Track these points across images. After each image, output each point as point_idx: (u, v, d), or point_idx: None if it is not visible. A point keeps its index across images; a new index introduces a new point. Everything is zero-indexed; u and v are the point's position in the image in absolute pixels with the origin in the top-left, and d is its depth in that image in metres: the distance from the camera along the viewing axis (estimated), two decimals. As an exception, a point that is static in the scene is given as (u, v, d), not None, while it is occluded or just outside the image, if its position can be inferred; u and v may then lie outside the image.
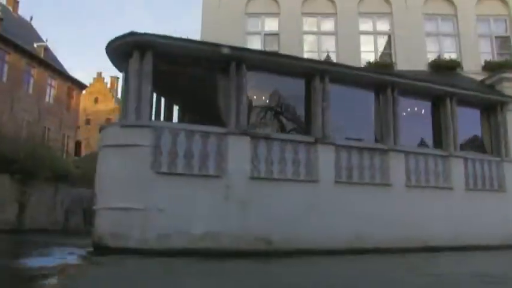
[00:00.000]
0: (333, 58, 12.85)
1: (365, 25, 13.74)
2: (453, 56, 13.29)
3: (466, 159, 9.54)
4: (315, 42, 13.55)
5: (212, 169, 7.20)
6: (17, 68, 25.13)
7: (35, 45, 28.65)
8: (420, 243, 8.18)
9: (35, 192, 16.29)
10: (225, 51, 7.60)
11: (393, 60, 13.27)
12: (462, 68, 13.03)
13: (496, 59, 13.31)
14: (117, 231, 6.67)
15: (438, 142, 9.56)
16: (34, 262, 5.84)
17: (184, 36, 8.13)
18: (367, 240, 7.76)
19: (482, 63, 13.12)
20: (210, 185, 7.17)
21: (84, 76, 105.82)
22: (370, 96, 9.10)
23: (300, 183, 7.78)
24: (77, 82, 31.73)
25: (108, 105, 49.57)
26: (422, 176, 8.96)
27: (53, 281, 4.40)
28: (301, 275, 5.06)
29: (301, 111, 8.64)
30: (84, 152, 36.96)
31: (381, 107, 9.00)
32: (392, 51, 13.46)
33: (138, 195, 6.80)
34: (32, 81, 26.72)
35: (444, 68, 12.79)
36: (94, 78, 52.22)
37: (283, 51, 10.84)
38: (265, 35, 13.52)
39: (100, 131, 7.78)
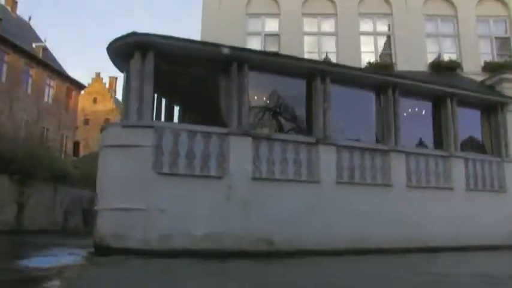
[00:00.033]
0: (333, 59, 12.82)
1: (365, 26, 13.73)
2: (453, 56, 13.31)
3: (466, 159, 9.56)
4: (315, 43, 13.55)
5: (214, 170, 7.19)
6: (16, 68, 25.07)
7: (34, 45, 28.61)
8: (421, 243, 8.20)
9: (33, 193, 16.26)
10: (227, 51, 7.59)
11: (393, 60, 13.27)
12: (462, 68, 13.03)
13: (496, 59, 13.33)
14: (118, 231, 6.65)
15: (439, 143, 9.58)
16: (34, 263, 5.81)
17: (184, 37, 8.11)
18: (368, 241, 7.77)
19: (482, 64, 13.13)
20: (211, 186, 7.15)
21: (83, 76, 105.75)
22: (371, 96, 9.11)
23: (302, 184, 7.78)
24: (75, 82, 31.68)
25: (107, 106, 49.49)
26: (423, 176, 8.98)
27: (54, 282, 4.38)
28: (303, 276, 5.06)
29: (302, 112, 8.63)
30: (82, 152, 36.84)
31: (381, 107, 9.01)
32: (393, 51, 13.47)
33: (139, 195, 6.78)
34: (30, 81, 26.67)
35: (444, 69, 12.79)
36: (93, 79, 52.08)
37: (284, 51, 10.82)
38: (265, 35, 13.51)
39: (101, 131, 7.75)
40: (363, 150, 8.47)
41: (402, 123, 8.93)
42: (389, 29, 13.79)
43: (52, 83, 28.81)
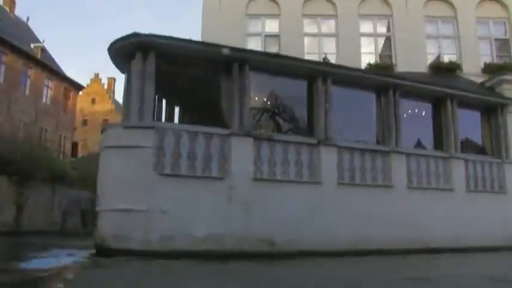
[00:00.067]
0: (333, 60, 12.85)
1: (365, 27, 13.75)
2: (453, 58, 13.34)
3: (466, 160, 9.57)
4: (315, 44, 13.56)
5: (215, 171, 7.17)
6: (14, 68, 25.00)
7: (32, 45, 28.53)
8: (421, 244, 8.20)
9: (32, 194, 16.22)
10: (228, 52, 7.57)
11: (393, 62, 13.29)
12: (462, 70, 13.06)
13: (496, 61, 13.36)
14: (119, 232, 6.61)
15: (439, 144, 9.59)
16: (34, 264, 5.77)
17: (185, 37, 8.10)
18: (369, 242, 7.76)
19: (482, 65, 13.16)
20: (213, 187, 7.13)
21: (82, 77, 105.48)
22: (372, 98, 9.11)
23: (303, 185, 7.77)
24: (73, 83, 31.59)
25: (105, 106, 49.46)
26: (424, 177, 8.98)
27: (54, 283, 4.36)
28: (304, 277, 5.05)
29: (303, 113, 8.62)
30: (80, 153, 36.76)
31: (382, 108, 9.01)
32: (393, 53, 13.49)
33: (140, 196, 6.75)
34: (28, 82, 26.59)
35: (444, 70, 12.82)
36: (91, 79, 52.09)
37: (284, 52, 10.81)
38: (265, 36, 13.52)
39: (102, 132, 7.73)
40: (363, 151, 8.47)
41: (403, 124, 8.93)
42: (389, 31, 13.82)
43: (50, 83, 28.72)
